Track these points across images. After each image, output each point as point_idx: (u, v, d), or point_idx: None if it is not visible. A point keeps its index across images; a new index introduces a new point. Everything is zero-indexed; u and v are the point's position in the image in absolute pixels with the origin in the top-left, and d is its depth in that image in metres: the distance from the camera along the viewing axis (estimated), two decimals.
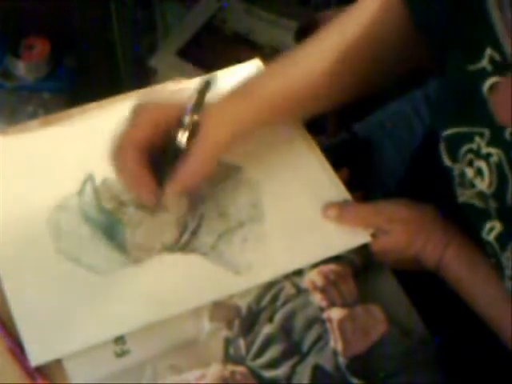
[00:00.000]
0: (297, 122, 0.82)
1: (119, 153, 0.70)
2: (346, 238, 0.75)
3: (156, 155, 0.70)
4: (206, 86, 0.70)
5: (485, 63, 0.66)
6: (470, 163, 0.69)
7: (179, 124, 0.69)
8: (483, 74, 0.66)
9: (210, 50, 1.65)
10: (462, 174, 0.71)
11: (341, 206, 0.77)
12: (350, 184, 0.80)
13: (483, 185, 0.68)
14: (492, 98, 0.48)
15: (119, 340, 0.67)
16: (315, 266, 0.73)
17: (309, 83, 0.76)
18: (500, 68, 0.64)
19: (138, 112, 0.70)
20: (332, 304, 0.72)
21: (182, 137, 0.69)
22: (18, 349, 0.65)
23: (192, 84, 0.85)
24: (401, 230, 0.75)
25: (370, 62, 0.78)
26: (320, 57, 0.77)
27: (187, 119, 0.68)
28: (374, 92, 0.82)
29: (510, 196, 0.65)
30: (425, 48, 0.79)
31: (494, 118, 0.57)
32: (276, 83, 0.75)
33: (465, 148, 0.69)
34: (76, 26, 1.59)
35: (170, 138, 0.69)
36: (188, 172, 0.69)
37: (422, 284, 0.75)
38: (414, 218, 0.75)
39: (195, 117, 0.69)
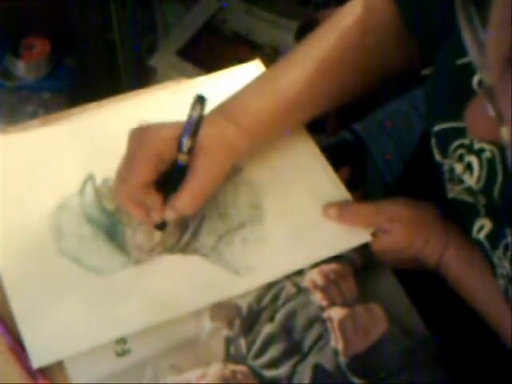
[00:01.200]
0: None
1: (126, 189, 0.69)
2: (347, 237, 0.75)
3: (162, 175, 0.70)
4: (199, 104, 0.68)
5: None
6: (460, 158, 0.69)
7: (178, 147, 0.68)
8: (473, 68, 0.66)
9: (209, 50, 1.65)
10: (452, 170, 0.71)
11: (341, 205, 0.77)
12: (351, 183, 0.80)
13: (471, 180, 0.68)
14: (465, 114, 0.48)
15: (120, 339, 0.67)
16: (316, 265, 0.73)
17: (297, 92, 0.76)
18: None
19: (139, 141, 0.69)
20: (332, 303, 0.72)
21: (182, 159, 0.68)
22: (19, 348, 0.65)
23: (191, 85, 0.85)
24: (401, 229, 0.75)
25: (353, 70, 0.78)
26: (304, 66, 0.77)
27: (185, 144, 0.68)
28: (361, 97, 0.82)
29: (498, 192, 0.65)
30: (413, 50, 0.79)
31: None
32: (261, 104, 0.75)
33: (456, 143, 0.69)
34: (76, 26, 1.59)
35: (172, 159, 0.69)
36: (183, 204, 0.69)
37: (422, 284, 0.75)
38: (414, 218, 0.75)
39: (192, 141, 0.68)
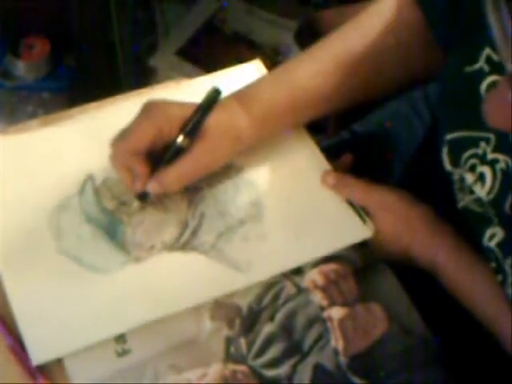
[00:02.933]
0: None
1: (119, 151, 0.71)
2: (347, 234, 0.75)
3: (157, 150, 0.71)
4: (214, 96, 0.71)
5: (482, 63, 0.66)
6: (472, 168, 0.69)
7: (182, 127, 0.70)
8: (481, 75, 0.66)
9: (209, 50, 1.65)
10: (462, 180, 0.71)
11: (340, 175, 0.78)
12: (353, 171, 0.80)
13: (482, 192, 0.68)
14: (485, 101, 0.48)
15: (120, 339, 0.67)
16: (316, 265, 0.74)
17: (314, 86, 0.77)
18: (498, 67, 0.64)
19: (145, 112, 0.71)
20: (332, 303, 0.72)
21: (182, 141, 0.70)
22: (19, 348, 0.65)
23: (191, 85, 0.85)
24: (386, 218, 0.75)
25: (372, 69, 0.79)
26: (325, 61, 0.77)
27: (189, 126, 0.70)
28: (378, 97, 0.83)
29: (509, 205, 0.65)
30: (438, 55, 0.79)
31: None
32: (277, 92, 0.76)
33: (468, 153, 0.69)
34: (76, 25, 1.59)
35: (172, 137, 0.71)
36: (168, 180, 0.71)
37: (422, 284, 0.75)
38: (403, 213, 0.75)
39: (196, 128, 0.71)
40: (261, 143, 0.78)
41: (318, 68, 0.77)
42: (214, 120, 0.71)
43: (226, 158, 0.74)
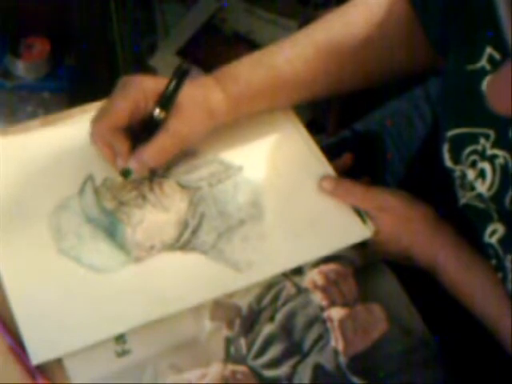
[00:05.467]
0: (295, 119, 0.82)
1: (99, 129, 0.72)
2: (347, 234, 0.75)
3: (135, 125, 0.73)
4: (185, 68, 0.73)
5: (484, 62, 0.66)
6: (473, 164, 0.69)
7: (158, 101, 0.71)
8: (482, 73, 0.66)
9: (209, 50, 1.65)
10: (463, 176, 0.71)
11: (337, 180, 0.77)
12: (353, 170, 0.80)
13: (483, 187, 0.68)
14: (487, 85, 0.48)
15: (120, 339, 0.67)
16: (316, 265, 0.74)
17: (292, 69, 0.77)
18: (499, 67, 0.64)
19: (121, 88, 0.73)
20: (332, 303, 0.72)
21: (159, 114, 0.71)
22: (18, 348, 0.65)
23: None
24: (386, 219, 0.74)
25: (352, 58, 0.79)
26: (305, 46, 0.78)
27: (164, 98, 0.72)
28: (358, 88, 0.83)
29: (509, 200, 0.65)
30: (420, 52, 0.79)
31: (498, 119, 0.57)
32: (254, 74, 0.77)
33: (469, 149, 0.69)
34: (76, 25, 1.58)
35: (149, 111, 0.72)
36: (147, 156, 0.72)
37: (423, 283, 0.75)
38: (403, 214, 0.75)
39: (172, 99, 0.72)
40: (260, 143, 0.78)
41: (297, 52, 0.78)
42: (187, 93, 0.72)
43: (202, 131, 0.75)
